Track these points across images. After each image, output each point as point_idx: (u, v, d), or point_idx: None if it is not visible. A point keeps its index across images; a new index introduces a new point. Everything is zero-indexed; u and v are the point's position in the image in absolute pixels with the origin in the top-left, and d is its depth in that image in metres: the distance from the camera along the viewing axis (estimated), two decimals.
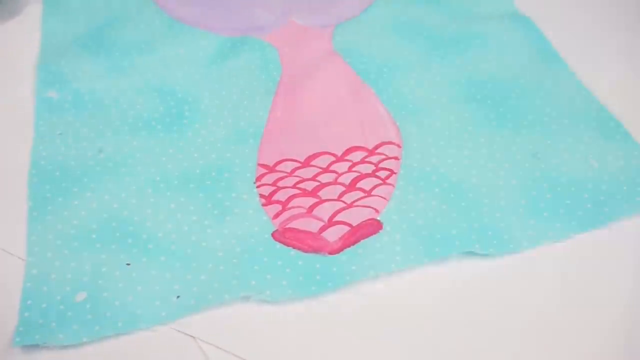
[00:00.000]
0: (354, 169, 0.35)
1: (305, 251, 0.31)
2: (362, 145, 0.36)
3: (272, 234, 0.32)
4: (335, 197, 0.34)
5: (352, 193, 0.34)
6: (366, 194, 0.34)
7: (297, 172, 0.35)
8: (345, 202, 0.34)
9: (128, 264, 0.31)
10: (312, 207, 0.33)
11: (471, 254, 0.32)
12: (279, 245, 0.31)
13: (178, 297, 0.29)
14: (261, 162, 0.35)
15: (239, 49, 0.42)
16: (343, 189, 0.34)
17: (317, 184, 0.34)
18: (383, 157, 0.36)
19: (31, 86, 0.39)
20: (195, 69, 0.40)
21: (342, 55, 0.42)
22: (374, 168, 0.35)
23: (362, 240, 0.32)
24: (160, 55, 0.41)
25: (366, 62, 0.41)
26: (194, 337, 0.29)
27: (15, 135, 0.36)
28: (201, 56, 0.41)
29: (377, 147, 0.36)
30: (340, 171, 0.35)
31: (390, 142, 0.36)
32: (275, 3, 0.46)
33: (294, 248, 0.31)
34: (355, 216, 0.33)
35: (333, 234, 0.32)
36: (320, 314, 0.29)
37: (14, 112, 0.38)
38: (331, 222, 0.33)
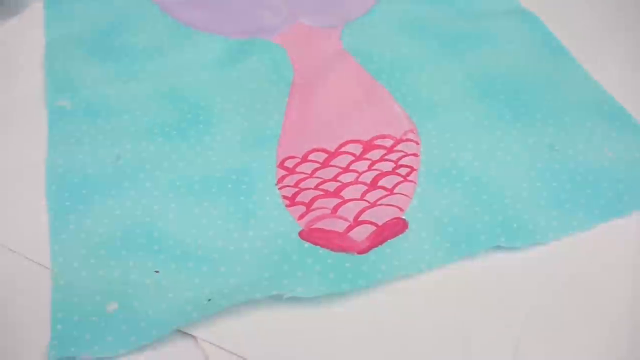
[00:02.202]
0: (374, 167, 0.35)
1: (334, 251, 0.31)
2: (380, 143, 0.36)
3: (299, 233, 0.32)
4: (359, 197, 0.34)
5: (375, 192, 0.34)
6: (389, 192, 0.34)
7: (317, 173, 0.35)
8: (368, 201, 0.34)
9: (157, 272, 0.30)
10: (336, 208, 0.33)
11: (498, 248, 0.32)
12: (307, 244, 0.31)
13: (209, 300, 0.29)
14: (280, 165, 0.35)
15: (248, 52, 0.42)
16: (365, 187, 0.34)
17: (339, 184, 0.34)
18: (402, 154, 0.36)
19: (35, 85, 0.39)
20: (205, 74, 0.40)
21: (352, 54, 0.42)
22: (394, 165, 0.35)
23: (389, 240, 0.32)
24: (168, 61, 0.41)
25: (377, 62, 0.41)
26: (194, 337, 0.28)
27: (21, 134, 0.36)
28: (210, 60, 0.41)
29: (395, 144, 0.36)
30: (360, 170, 0.35)
31: (408, 140, 0.36)
32: (282, 4, 0.46)
33: (322, 247, 0.31)
34: (381, 215, 0.33)
35: (360, 234, 0.32)
36: (323, 314, 0.29)
37: (16, 111, 0.37)
38: (357, 222, 0.32)
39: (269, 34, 0.43)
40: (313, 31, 0.44)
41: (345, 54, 0.42)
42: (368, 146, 0.36)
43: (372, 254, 0.31)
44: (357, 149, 0.36)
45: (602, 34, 0.43)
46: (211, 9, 0.45)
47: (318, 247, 0.31)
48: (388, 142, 0.36)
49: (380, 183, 0.34)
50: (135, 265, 0.30)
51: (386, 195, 0.34)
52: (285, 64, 0.41)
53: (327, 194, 0.34)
